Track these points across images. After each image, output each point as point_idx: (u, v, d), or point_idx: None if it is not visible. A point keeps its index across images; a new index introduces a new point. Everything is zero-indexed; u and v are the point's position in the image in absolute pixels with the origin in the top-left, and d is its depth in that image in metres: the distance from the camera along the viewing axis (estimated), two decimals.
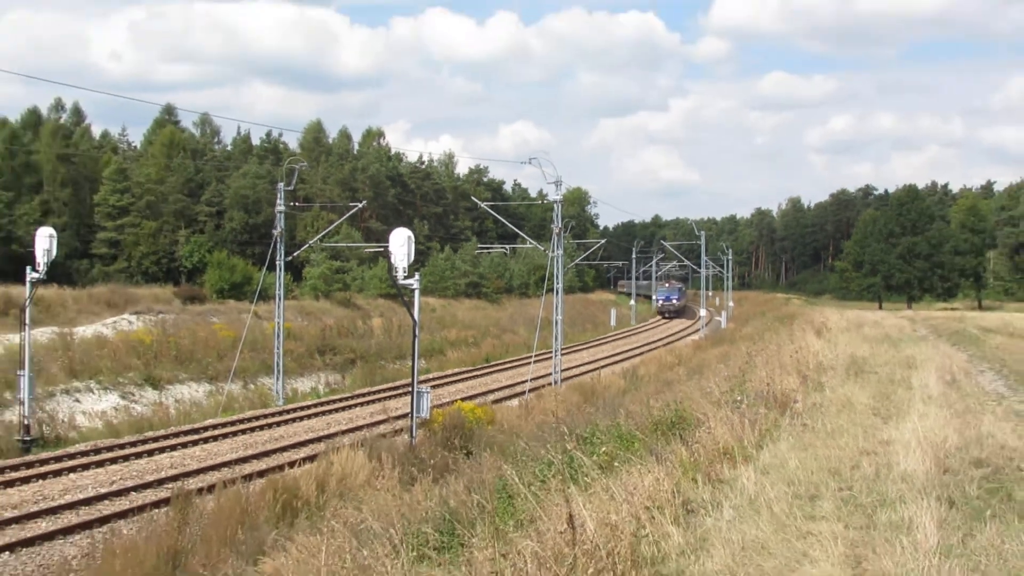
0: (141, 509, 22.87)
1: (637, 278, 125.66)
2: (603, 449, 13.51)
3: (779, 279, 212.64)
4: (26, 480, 26.10)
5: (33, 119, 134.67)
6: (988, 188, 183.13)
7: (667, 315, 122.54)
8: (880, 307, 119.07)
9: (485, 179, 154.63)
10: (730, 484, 11.64)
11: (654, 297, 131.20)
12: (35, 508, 23.29)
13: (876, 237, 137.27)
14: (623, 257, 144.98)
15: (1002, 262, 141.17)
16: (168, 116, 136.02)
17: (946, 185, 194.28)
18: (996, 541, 9.02)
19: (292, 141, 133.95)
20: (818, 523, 9.81)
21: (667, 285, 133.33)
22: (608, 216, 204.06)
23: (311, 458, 26.27)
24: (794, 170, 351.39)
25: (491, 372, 54.84)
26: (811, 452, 13.55)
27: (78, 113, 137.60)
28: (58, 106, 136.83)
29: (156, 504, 22.88)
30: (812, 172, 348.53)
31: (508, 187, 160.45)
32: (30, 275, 32.32)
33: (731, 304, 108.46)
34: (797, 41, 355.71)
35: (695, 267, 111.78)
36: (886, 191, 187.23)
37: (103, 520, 22.11)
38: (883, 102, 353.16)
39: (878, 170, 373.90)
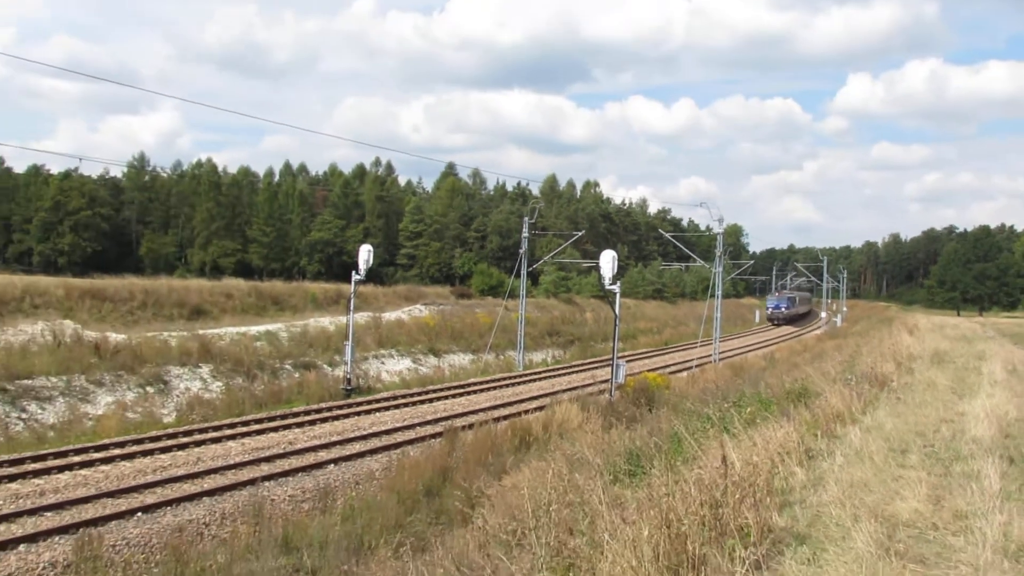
0: (423, 439, 23.44)
1: (775, 289, 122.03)
2: (748, 409, 13.26)
3: (880, 292, 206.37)
4: (347, 416, 27.07)
5: (360, 171, 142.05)
6: None
7: (776, 322, 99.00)
8: (958, 315, 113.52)
9: (668, 217, 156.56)
10: (841, 439, 11.32)
11: (766, 305, 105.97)
12: (352, 435, 24.09)
13: (956, 263, 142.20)
14: (766, 274, 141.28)
15: None
16: (450, 170, 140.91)
17: (1012, 226, 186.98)
18: None
19: (535, 188, 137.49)
20: (907, 470, 9.46)
21: (777, 295, 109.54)
22: (756, 244, 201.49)
23: (540, 408, 26.49)
24: (894, 213, 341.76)
25: (668, 353, 54.52)
26: (903, 418, 13.05)
27: (390, 168, 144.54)
28: (377, 163, 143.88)
29: (433, 436, 23.42)
30: (908, 215, 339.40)
31: (685, 223, 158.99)
32: (354, 277, 33.66)
33: (845, 309, 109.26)
34: (899, 119, 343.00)
35: (819, 282, 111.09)
36: (965, 230, 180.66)
37: (397, 445, 22.76)
38: (964, 164, 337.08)
39: (960, 214, 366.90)
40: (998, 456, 9.91)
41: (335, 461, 21.02)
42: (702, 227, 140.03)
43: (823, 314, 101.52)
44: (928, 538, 7.13)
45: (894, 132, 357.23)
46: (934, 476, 9.18)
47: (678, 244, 67.67)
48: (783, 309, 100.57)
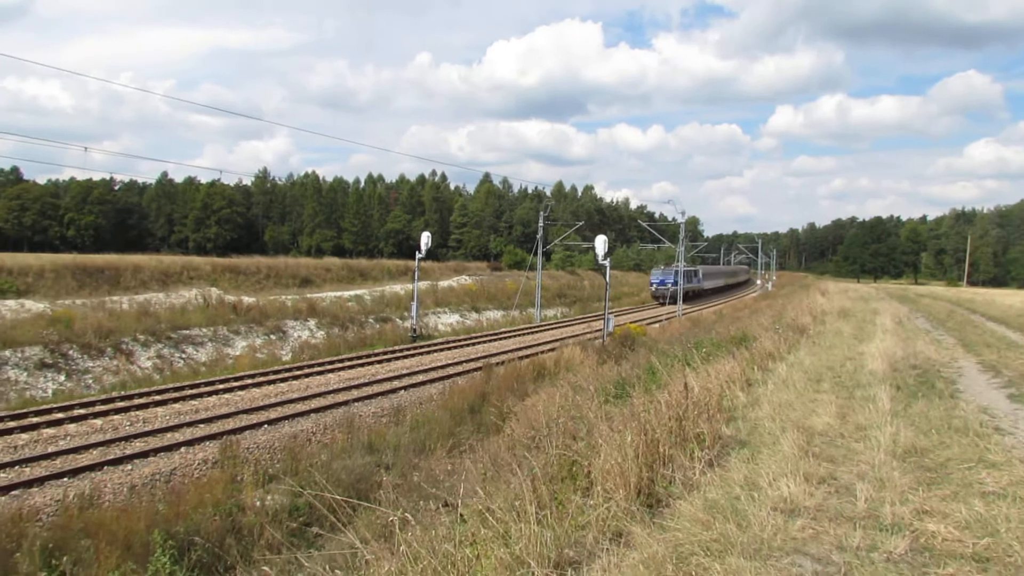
0: (467, 372, 23.45)
1: (727, 263, 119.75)
2: (704, 350, 13.13)
3: (800, 265, 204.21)
4: (413, 355, 27.12)
5: (421, 179, 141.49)
6: (923, 219, 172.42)
7: (663, 300, 57.19)
8: (858, 282, 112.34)
9: (645, 211, 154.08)
10: (772, 371, 11.18)
11: (650, 281, 62.76)
12: (416, 369, 24.12)
13: (857, 243, 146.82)
14: (716, 252, 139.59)
15: (930, 259, 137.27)
16: (486, 178, 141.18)
17: (899, 217, 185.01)
18: (924, 409, 8.43)
19: (548, 191, 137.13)
20: (821, 394, 9.33)
21: (664, 268, 62.57)
22: (709, 231, 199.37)
23: (552, 349, 26.38)
24: (810, 208, 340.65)
25: (645, 310, 53.79)
26: (817, 357, 12.86)
27: (443, 177, 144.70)
28: (433, 173, 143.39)
29: (475, 369, 23.44)
30: (821, 209, 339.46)
31: (657, 215, 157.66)
32: (418, 256, 33.57)
33: (775, 278, 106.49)
34: (813, 139, 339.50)
35: (755, 258, 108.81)
36: (864, 219, 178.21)
37: (449, 376, 22.81)
38: (861, 171, 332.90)
39: (859, 208, 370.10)
40: (888, 384, 9.77)
41: (405, 388, 21.10)
42: (669, 218, 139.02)
43: (758, 282, 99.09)
44: (837, 444, 7.03)
45: (810, 148, 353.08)
46: (841, 399, 9.05)
47: (652, 231, 67.26)
48: (670, 285, 56.06)
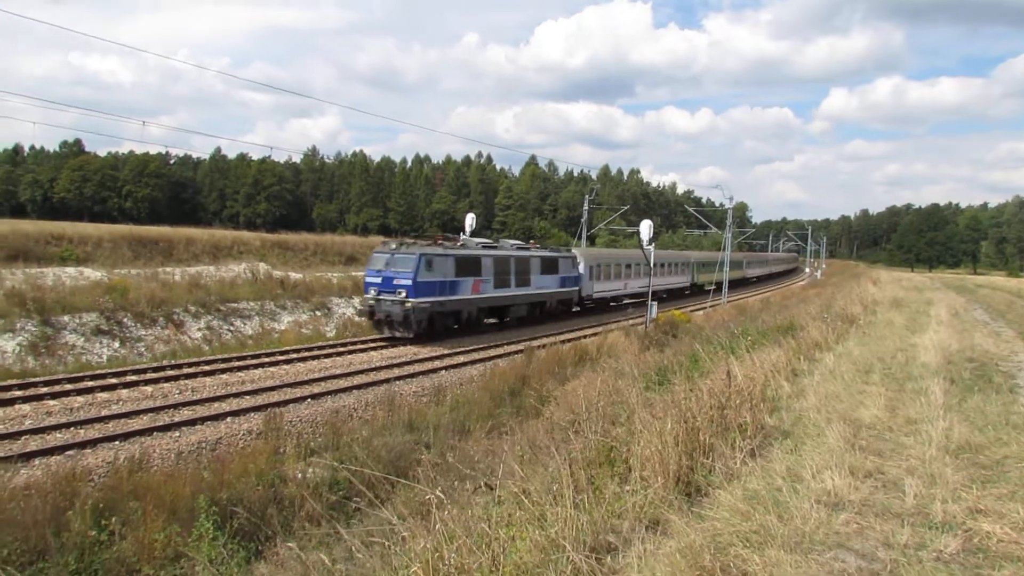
0: (508, 354, 23.47)
1: (775, 250, 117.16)
2: (748, 338, 12.91)
3: (851, 254, 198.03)
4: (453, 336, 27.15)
5: (467, 160, 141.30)
6: (984, 206, 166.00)
7: (391, 328, 23.87)
8: (912, 271, 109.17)
9: (692, 195, 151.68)
10: (818, 362, 10.94)
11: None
12: (458, 350, 24.25)
13: (912, 231, 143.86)
14: (764, 239, 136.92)
15: (991, 248, 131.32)
16: (531, 160, 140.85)
17: (957, 204, 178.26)
18: (980, 404, 8.16)
19: (593, 174, 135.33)
20: (870, 386, 9.10)
21: (395, 249, 24.45)
22: (757, 216, 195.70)
23: (595, 334, 26.30)
24: (863, 194, 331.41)
25: (689, 297, 53.04)
26: (867, 347, 12.54)
27: (489, 158, 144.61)
28: (479, 155, 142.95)
29: (516, 352, 23.43)
30: (874, 195, 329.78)
31: (704, 200, 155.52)
32: (462, 237, 33.59)
33: (824, 266, 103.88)
34: (868, 123, 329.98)
35: (804, 245, 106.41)
36: (920, 206, 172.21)
37: (490, 358, 22.86)
38: (918, 156, 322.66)
39: (915, 194, 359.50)
40: (942, 377, 9.50)
41: (446, 368, 21.18)
42: (717, 204, 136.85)
43: (807, 270, 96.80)
44: (885, 437, 6.85)
45: (865, 132, 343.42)
46: (891, 391, 8.82)
47: (698, 216, 66.10)
48: (402, 296, 23.29)
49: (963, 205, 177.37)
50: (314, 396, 16.94)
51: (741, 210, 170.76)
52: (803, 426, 7.11)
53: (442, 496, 4.83)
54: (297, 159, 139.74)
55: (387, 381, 18.62)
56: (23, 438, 12.81)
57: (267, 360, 20.42)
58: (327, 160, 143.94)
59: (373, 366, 20.61)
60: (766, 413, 7.54)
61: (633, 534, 4.54)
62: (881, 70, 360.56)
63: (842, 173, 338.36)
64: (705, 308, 40.46)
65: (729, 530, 4.41)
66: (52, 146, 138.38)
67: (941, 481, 5.38)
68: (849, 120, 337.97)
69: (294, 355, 21.30)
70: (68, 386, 16.31)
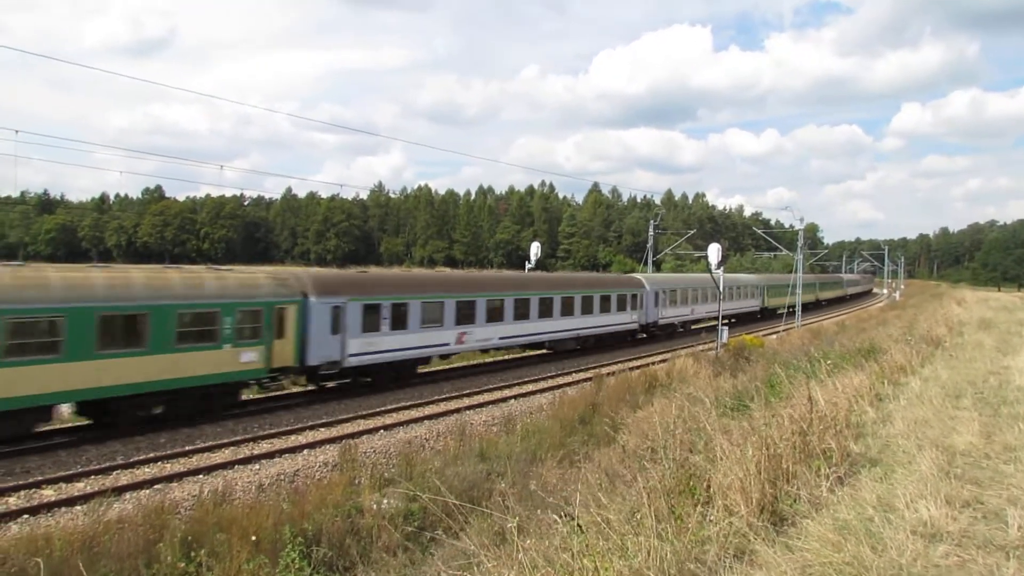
0: (577, 382, 23.35)
1: (847, 272, 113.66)
2: (828, 361, 12.51)
3: (931, 273, 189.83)
4: (520, 367, 27.12)
5: (530, 190, 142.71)
6: None
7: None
8: (999, 290, 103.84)
9: (760, 217, 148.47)
10: (904, 386, 10.50)
11: None
12: (526, 379, 24.22)
13: (999, 248, 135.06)
14: (838, 260, 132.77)
15: None
16: (594, 188, 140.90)
17: None
18: None
19: (657, 199, 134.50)
20: (961, 411, 8.69)
21: None
22: (829, 238, 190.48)
23: (664, 360, 25.92)
24: (941, 211, 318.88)
25: (761, 321, 51.74)
26: (956, 371, 11.98)
27: (551, 187, 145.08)
28: (542, 183, 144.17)
29: (585, 380, 23.28)
30: (954, 212, 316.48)
31: (772, 222, 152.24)
32: (527, 266, 33.83)
33: (903, 287, 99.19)
34: (944, 137, 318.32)
35: (881, 266, 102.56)
36: (1005, 222, 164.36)
37: (559, 386, 22.77)
38: (1001, 170, 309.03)
39: (999, 210, 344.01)
40: None
41: (515, 397, 21.27)
42: (786, 225, 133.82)
43: (884, 291, 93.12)
44: (982, 465, 6.51)
45: (941, 147, 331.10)
46: (984, 416, 8.39)
47: (767, 238, 64.91)
48: None
49: None
50: (387, 427, 17.17)
51: (812, 231, 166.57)
52: (892, 453, 6.84)
53: (521, 524, 4.83)
54: (364, 195, 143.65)
55: (457, 411, 18.74)
56: (114, 473, 13.39)
57: (340, 392, 20.82)
58: (393, 195, 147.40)
59: (443, 396, 20.79)
60: (851, 439, 7.28)
61: (719, 564, 4.43)
62: (956, 83, 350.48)
63: (918, 190, 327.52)
64: (778, 332, 39.40)
65: (820, 561, 4.27)
66: (135, 193, 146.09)
67: None
68: (923, 135, 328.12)
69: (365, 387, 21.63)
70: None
